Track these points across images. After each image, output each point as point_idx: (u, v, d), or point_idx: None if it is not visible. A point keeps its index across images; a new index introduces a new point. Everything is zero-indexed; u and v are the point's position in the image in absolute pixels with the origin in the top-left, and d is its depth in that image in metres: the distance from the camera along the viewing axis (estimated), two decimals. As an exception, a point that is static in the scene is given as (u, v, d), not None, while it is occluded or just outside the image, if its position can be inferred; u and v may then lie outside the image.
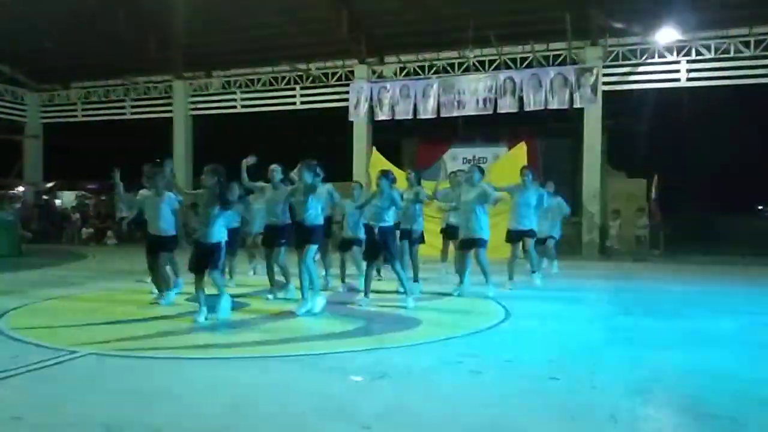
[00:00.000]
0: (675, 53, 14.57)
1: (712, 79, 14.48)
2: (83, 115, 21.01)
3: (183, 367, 4.45)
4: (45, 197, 21.47)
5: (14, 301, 7.14)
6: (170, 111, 19.44)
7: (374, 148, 15.21)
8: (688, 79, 14.60)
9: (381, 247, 6.99)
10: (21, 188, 21.77)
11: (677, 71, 14.65)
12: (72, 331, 5.60)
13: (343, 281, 8.50)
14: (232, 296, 7.32)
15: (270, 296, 7.50)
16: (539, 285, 8.68)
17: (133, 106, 20.25)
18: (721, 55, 14.22)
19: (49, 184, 23.00)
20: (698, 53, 14.41)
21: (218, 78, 18.96)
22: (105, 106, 20.68)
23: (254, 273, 9.81)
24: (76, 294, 8.12)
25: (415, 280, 8.21)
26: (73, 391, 3.80)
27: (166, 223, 7.14)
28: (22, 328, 5.63)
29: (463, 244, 7.99)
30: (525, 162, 12.57)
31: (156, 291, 7.28)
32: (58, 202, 22.20)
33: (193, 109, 19.33)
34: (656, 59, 14.77)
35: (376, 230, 6.99)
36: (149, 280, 7.54)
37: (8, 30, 17.52)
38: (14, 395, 3.70)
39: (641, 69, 14.96)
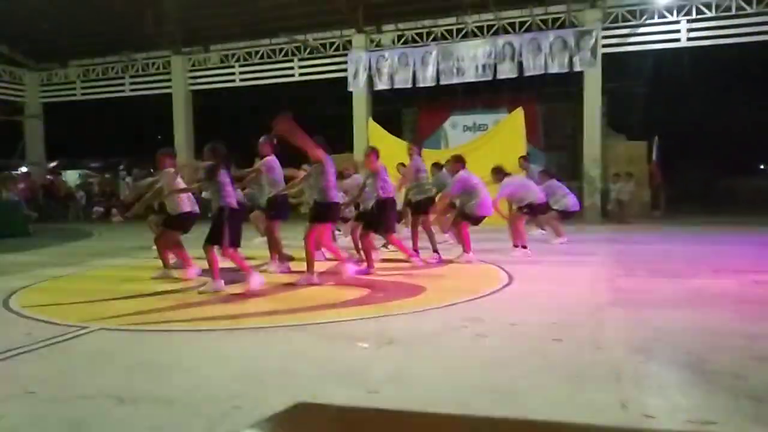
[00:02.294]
0: (675, 13, 14.39)
1: (713, 38, 14.32)
2: (82, 94, 20.94)
3: (192, 339, 4.52)
4: (48, 177, 21.50)
5: (23, 280, 7.22)
6: (169, 87, 19.35)
7: (370, 119, 15.15)
8: (689, 39, 14.45)
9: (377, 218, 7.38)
10: (24, 168, 21.80)
11: (677, 31, 14.50)
12: (81, 308, 5.67)
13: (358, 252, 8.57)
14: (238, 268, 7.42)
15: (270, 268, 7.59)
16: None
17: (132, 83, 20.16)
18: (722, 13, 14.04)
19: (52, 164, 23.03)
20: (699, 12, 14.22)
21: (216, 52, 18.82)
22: (104, 84, 20.60)
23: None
24: (84, 271, 8.20)
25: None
26: (85, 365, 3.87)
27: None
28: (33, 306, 5.70)
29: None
30: (523, 127, 12.54)
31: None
32: (61, 180, 22.25)
33: (192, 84, 19.24)
34: (656, 20, 14.60)
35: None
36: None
37: (5, 10, 17.35)
38: (27, 371, 3.77)
39: (641, 30, 14.80)
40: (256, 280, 6.26)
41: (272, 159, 7.48)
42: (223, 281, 6.27)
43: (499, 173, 8.81)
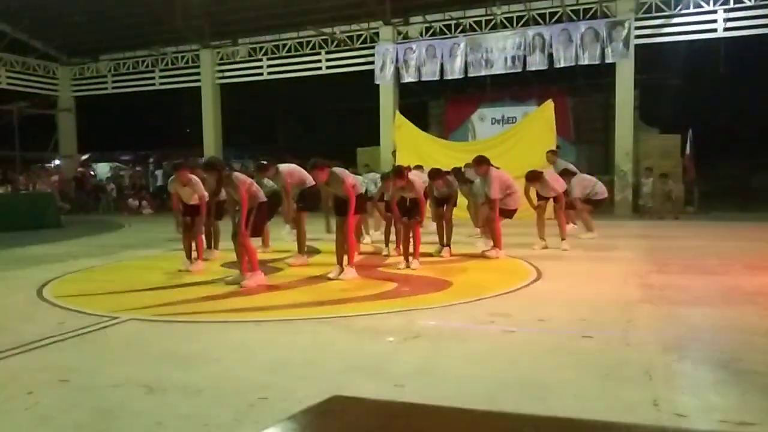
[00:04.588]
0: (711, 2, 14.02)
1: (751, 27, 13.91)
2: (113, 87, 21.25)
3: (220, 331, 4.56)
4: (80, 169, 21.91)
5: (56, 271, 7.37)
6: (198, 80, 19.54)
7: (397, 111, 15.10)
8: (726, 29, 14.06)
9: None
10: (57, 161, 22.26)
11: (714, 21, 14.12)
12: (112, 298, 5.76)
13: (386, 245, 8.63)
14: (266, 261, 7.47)
15: (291, 260, 7.62)
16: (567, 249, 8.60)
17: (161, 77, 20.40)
18: (762, 2, 13.62)
19: (84, 157, 23.48)
20: (736, 1, 13.83)
21: (244, 45, 18.94)
22: (134, 77, 20.88)
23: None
24: (115, 262, 8.34)
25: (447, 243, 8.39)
26: (115, 354, 3.93)
27: None
28: (65, 296, 5.81)
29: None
30: (553, 120, 12.37)
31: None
32: (92, 173, 22.68)
33: (220, 77, 19.38)
34: (691, 9, 14.24)
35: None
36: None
37: (39, 6, 17.71)
38: (61, 359, 3.84)
39: (675, 20, 14.46)
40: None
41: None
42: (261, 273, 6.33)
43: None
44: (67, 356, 3.91)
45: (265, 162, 8.37)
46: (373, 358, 3.72)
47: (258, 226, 6.51)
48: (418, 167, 9.40)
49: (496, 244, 8.02)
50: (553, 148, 11.79)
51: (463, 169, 9.46)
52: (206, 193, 7.55)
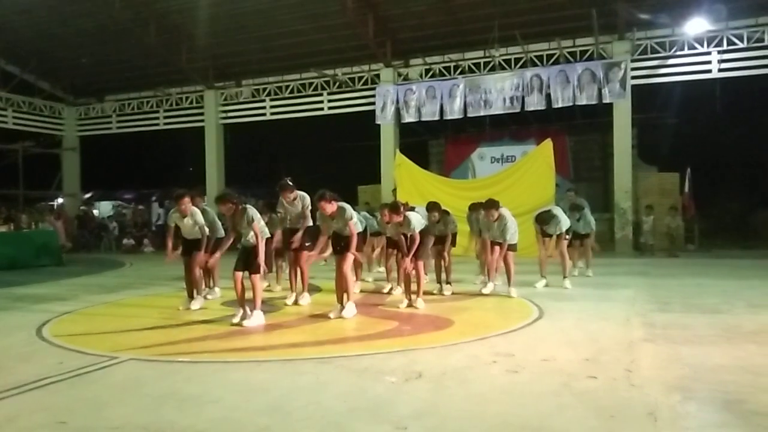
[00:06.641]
0: (705, 44, 14.29)
1: (745, 68, 14.16)
2: (118, 127, 21.49)
3: (220, 371, 4.52)
4: (83, 207, 21.98)
5: (56, 310, 7.34)
6: (202, 120, 19.77)
7: (397, 150, 15.27)
8: (720, 70, 14.31)
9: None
10: (60, 199, 22.34)
11: (708, 62, 14.37)
12: (112, 337, 5.73)
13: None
14: (266, 299, 7.44)
15: (288, 301, 7.55)
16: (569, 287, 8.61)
17: (166, 117, 20.64)
18: (754, 44, 13.91)
19: (87, 195, 23.58)
20: (730, 43, 14.10)
21: (248, 86, 19.22)
22: (138, 118, 21.12)
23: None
24: (116, 301, 8.31)
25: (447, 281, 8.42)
26: (114, 395, 3.90)
27: None
28: (65, 335, 5.78)
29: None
30: (552, 159, 12.49)
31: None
32: (95, 212, 22.73)
33: (224, 118, 19.62)
34: (686, 51, 14.51)
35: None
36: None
37: (47, 48, 18.12)
38: (59, 400, 3.81)
39: (671, 61, 14.72)
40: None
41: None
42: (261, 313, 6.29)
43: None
44: (65, 397, 3.87)
45: (290, 182, 7.59)
46: (374, 399, 3.69)
47: (265, 262, 6.49)
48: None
49: (510, 281, 8.03)
50: (553, 186, 11.88)
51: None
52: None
